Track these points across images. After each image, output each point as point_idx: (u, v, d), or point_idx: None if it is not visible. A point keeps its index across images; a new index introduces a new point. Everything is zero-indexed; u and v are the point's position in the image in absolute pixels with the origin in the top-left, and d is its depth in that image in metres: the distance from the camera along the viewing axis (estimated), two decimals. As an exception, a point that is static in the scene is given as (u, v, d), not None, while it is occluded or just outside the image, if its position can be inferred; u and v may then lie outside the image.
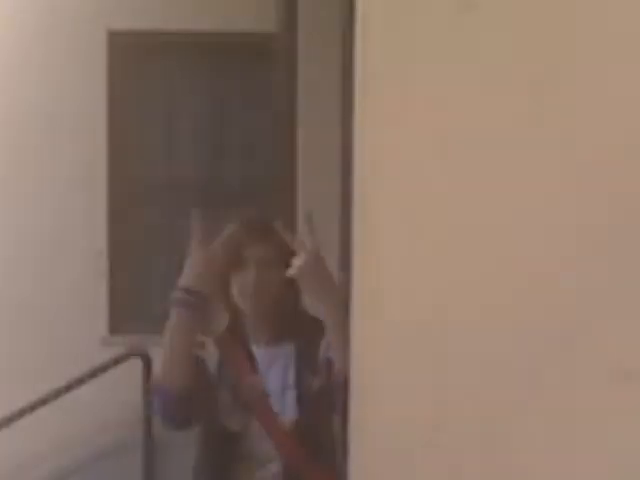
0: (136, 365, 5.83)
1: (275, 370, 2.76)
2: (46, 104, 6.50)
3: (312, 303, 2.65)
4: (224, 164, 6.87)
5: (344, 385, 2.57)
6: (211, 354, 2.81)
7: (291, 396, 2.72)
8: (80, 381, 5.75)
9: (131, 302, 6.76)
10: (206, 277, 2.65)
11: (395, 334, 1.76)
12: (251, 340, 2.80)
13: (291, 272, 2.59)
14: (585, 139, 1.25)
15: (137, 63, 6.73)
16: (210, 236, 2.73)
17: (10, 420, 5.66)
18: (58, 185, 6.59)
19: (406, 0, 1.74)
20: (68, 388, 5.71)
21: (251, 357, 2.77)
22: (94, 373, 5.79)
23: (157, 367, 2.83)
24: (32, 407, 5.66)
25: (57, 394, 5.70)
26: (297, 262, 2.59)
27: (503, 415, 1.44)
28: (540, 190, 1.36)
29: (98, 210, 6.65)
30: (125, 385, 5.93)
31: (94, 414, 6.23)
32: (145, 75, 6.77)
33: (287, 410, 2.71)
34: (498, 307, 1.46)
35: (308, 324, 2.74)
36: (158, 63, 6.76)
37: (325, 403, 2.65)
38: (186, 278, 2.67)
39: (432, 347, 1.64)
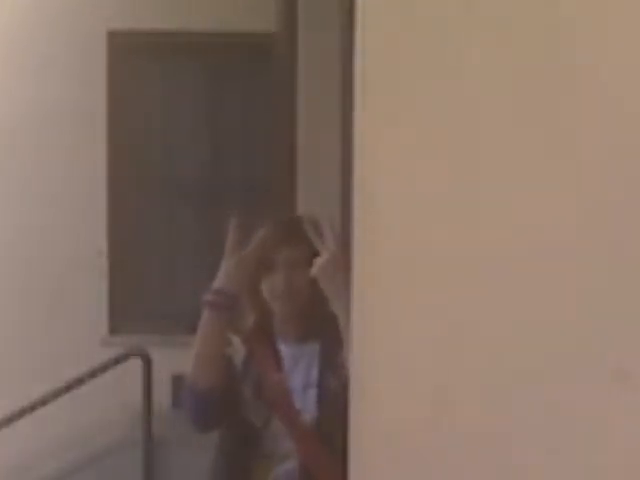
0: (136, 365, 5.83)
1: (300, 368, 2.84)
2: (46, 104, 6.50)
3: (331, 302, 2.72)
4: (224, 164, 6.87)
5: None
6: (238, 351, 2.89)
7: (313, 395, 2.80)
8: (80, 381, 5.75)
9: (131, 302, 6.76)
10: (237, 279, 2.76)
11: (395, 334, 1.76)
12: (278, 338, 2.88)
13: (313, 271, 2.71)
14: (589, 143, 1.25)
15: (137, 63, 6.73)
16: (244, 239, 2.84)
17: (10, 420, 5.66)
18: (58, 185, 6.59)
19: (406, 0, 1.74)
20: (68, 388, 5.71)
21: (277, 355, 2.85)
22: (94, 373, 5.79)
23: (188, 369, 2.90)
24: (32, 407, 5.66)
25: (57, 394, 5.70)
26: (318, 262, 2.71)
27: (503, 415, 1.44)
28: (540, 188, 1.36)
29: (98, 210, 6.65)
30: (125, 385, 5.94)
31: (94, 414, 6.23)
32: (145, 75, 6.78)
33: (308, 408, 2.78)
34: (498, 306, 1.46)
35: (334, 323, 2.80)
36: (158, 63, 6.76)
37: (343, 403, 2.71)
38: (219, 281, 2.77)
39: (432, 347, 1.64)
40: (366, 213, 1.82)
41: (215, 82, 6.77)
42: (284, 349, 2.87)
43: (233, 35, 6.51)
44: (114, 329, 6.71)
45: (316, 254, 2.76)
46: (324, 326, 2.83)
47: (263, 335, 2.89)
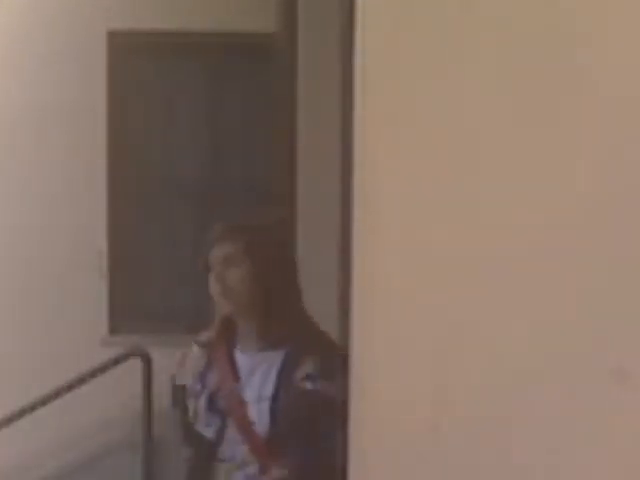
0: (136, 365, 5.83)
1: (255, 379, 2.75)
2: (46, 104, 6.49)
3: None
4: (224, 164, 6.87)
5: (322, 410, 2.59)
6: (198, 359, 2.86)
7: (265, 407, 2.71)
8: (80, 381, 5.75)
9: (131, 302, 6.76)
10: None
11: (395, 334, 1.76)
12: (237, 347, 2.81)
13: None
14: (589, 144, 1.25)
15: (137, 63, 6.72)
16: None
17: (10, 420, 5.66)
18: (58, 185, 6.59)
19: (406, 0, 1.74)
20: (68, 388, 5.71)
21: (233, 363, 2.78)
22: (94, 373, 5.79)
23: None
24: (32, 407, 5.66)
25: (57, 394, 5.70)
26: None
27: (503, 415, 1.44)
28: (540, 188, 1.36)
29: (98, 210, 6.64)
30: (125, 385, 5.93)
31: (94, 414, 6.22)
32: (145, 75, 6.77)
33: (261, 420, 2.71)
34: (498, 306, 1.46)
35: (300, 333, 2.75)
36: (158, 63, 6.76)
37: (296, 419, 2.67)
38: None
39: (432, 347, 1.64)
40: (366, 213, 1.82)
41: (215, 82, 6.76)
42: (241, 358, 2.79)
43: (233, 35, 6.50)
44: (114, 329, 6.71)
45: (254, 249, 2.74)
46: (287, 335, 2.76)
47: (222, 343, 2.82)
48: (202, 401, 2.78)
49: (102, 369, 5.82)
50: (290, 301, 2.83)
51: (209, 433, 2.75)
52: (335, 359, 2.69)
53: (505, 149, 1.44)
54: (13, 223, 6.53)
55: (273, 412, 2.69)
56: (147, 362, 5.85)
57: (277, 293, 2.79)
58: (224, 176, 6.87)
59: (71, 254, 6.54)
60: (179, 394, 2.88)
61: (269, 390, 2.72)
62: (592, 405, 1.21)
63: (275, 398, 2.70)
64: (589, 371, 1.21)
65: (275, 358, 2.74)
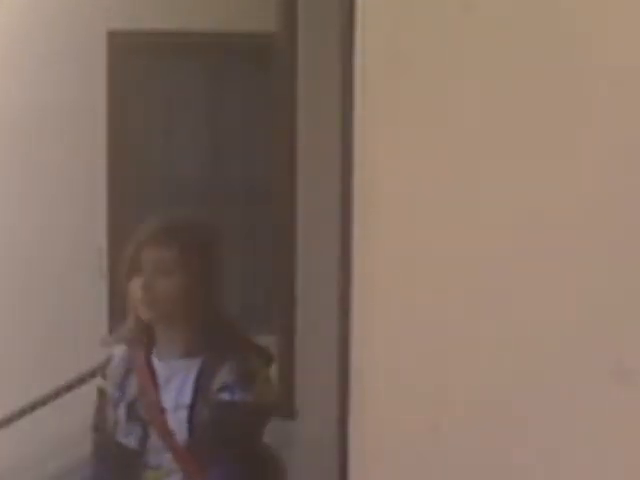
0: (136, 365, 5.83)
1: (172, 386, 2.65)
2: (46, 104, 6.49)
3: None
4: (224, 164, 6.87)
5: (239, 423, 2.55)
6: (118, 365, 2.79)
7: (183, 416, 2.61)
8: (80, 381, 5.74)
9: (131, 302, 6.75)
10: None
11: (395, 334, 1.76)
12: (154, 352, 2.70)
13: None
14: (589, 144, 1.25)
15: (137, 63, 6.72)
16: None
17: (10, 420, 5.66)
18: (58, 185, 6.59)
19: (406, 0, 1.74)
20: (68, 388, 5.71)
21: (152, 370, 2.68)
22: (94, 373, 5.78)
23: None
24: (32, 407, 5.66)
25: (57, 394, 5.70)
26: None
27: (503, 415, 1.44)
28: (540, 188, 1.36)
29: (98, 210, 6.64)
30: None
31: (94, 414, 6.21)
32: (145, 75, 6.77)
33: (180, 429, 2.61)
34: (498, 306, 1.46)
35: (219, 342, 2.65)
36: (158, 63, 6.76)
37: (215, 432, 2.59)
38: None
39: (432, 347, 1.64)
40: (366, 213, 1.82)
41: (215, 82, 6.77)
42: (159, 365, 2.69)
43: (233, 35, 6.50)
44: (114, 329, 6.70)
45: (188, 256, 2.58)
46: (206, 342, 2.65)
47: (141, 348, 2.72)
48: (122, 409, 2.71)
49: (102, 369, 5.81)
50: (214, 306, 2.74)
51: (131, 442, 2.67)
52: (253, 364, 2.63)
53: (505, 149, 1.44)
54: (13, 223, 6.53)
55: (191, 421, 2.60)
56: (147, 362, 5.84)
57: (203, 300, 2.68)
58: (224, 176, 6.87)
59: (71, 254, 6.54)
60: (98, 400, 2.88)
61: (186, 399, 2.61)
62: (592, 405, 1.21)
63: (193, 407, 2.60)
64: (589, 371, 1.21)
65: (192, 366, 2.63)
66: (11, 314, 6.49)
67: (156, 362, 2.69)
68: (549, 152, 1.32)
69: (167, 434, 2.61)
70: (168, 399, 2.64)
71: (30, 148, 6.55)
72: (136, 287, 2.62)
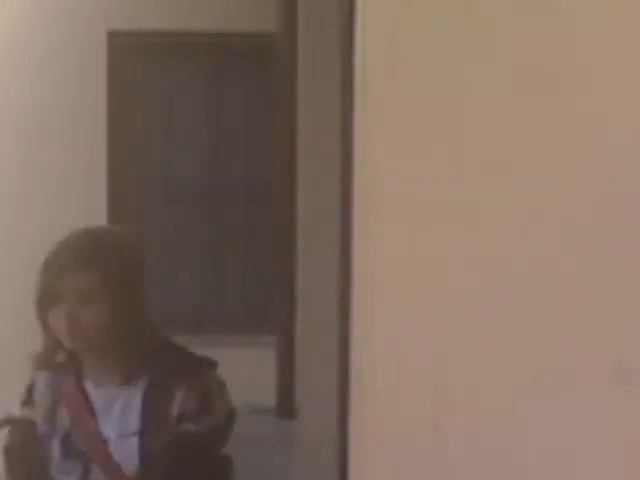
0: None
1: (115, 414, 2.43)
2: (46, 104, 6.49)
3: None
4: (224, 164, 6.87)
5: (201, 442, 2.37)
6: (41, 395, 2.60)
7: (131, 445, 2.41)
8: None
9: (131, 302, 6.75)
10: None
11: (395, 334, 1.76)
12: (88, 379, 2.48)
13: None
14: (591, 144, 1.25)
15: (137, 63, 6.73)
16: None
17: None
18: (58, 185, 6.59)
19: (406, 0, 1.74)
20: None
21: (86, 397, 2.47)
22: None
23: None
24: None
25: (57, 394, 5.68)
26: None
27: (503, 415, 1.44)
28: (541, 188, 1.36)
29: (98, 210, 6.64)
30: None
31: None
32: (145, 75, 6.77)
33: (127, 459, 2.40)
34: (498, 306, 1.46)
35: (165, 364, 2.44)
36: (158, 63, 6.76)
37: (171, 460, 2.40)
38: None
39: (432, 347, 1.64)
40: (366, 213, 1.82)
41: (215, 82, 6.77)
42: (94, 392, 2.46)
43: (233, 35, 6.51)
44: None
45: (112, 279, 2.36)
46: (148, 365, 2.43)
47: (69, 374, 2.49)
48: (55, 445, 2.46)
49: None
50: (145, 325, 2.51)
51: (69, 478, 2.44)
52: (207, 381, 2.45)
53: (506, 149, 1.44)
54: (13, 223, 6.53)
55: (143, 448, 2.40)
56: (147, 362, 5.83)
57: (136, 321, 2.46)
58: (224, 176, 6.87)
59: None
60: (26, 432, 2.57)
61: (133, 426, 2.41)
62: (592, 405, 1.21)
63: (143, 434, 2.40)
64: (589, 371, 1.22)
65: (135, 391, 2.42)
66: (11, 314, 6.49)
67: (90, 389, 2.47)
68: (549, 152, 1.33)
69: (111, 466, 2.40)
70: (109, 428, 2.42)
71: (30, 148, 6.56)
72: (58, 318, 2.37)
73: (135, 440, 2.40)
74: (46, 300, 2.41)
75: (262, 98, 6.48)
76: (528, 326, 1.38)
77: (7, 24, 6.49)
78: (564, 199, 1.29)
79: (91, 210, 6.64)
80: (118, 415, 2.42)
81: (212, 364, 2.54)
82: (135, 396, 2.41)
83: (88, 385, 2.47)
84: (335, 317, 3.02)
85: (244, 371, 6.63)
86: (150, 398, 2.41)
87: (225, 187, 6.89)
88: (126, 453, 2.41)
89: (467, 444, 1.54)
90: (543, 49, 1.35)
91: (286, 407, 4.70)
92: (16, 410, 2.86)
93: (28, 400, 2.70)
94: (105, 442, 2.41)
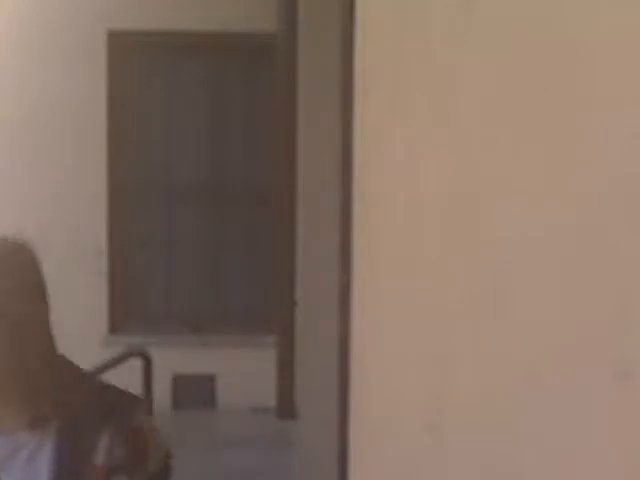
0: (136, 365, 5.83)
1: (17, 463, 2.00)
2: (46, 104, 6.50)
3: None
4: (224, 164, 6.87)
5: None
6: None
7: None
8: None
9: (131, 302, 6.76)
10: None
11: (395, 333, 1.76)
12: None
13: None
14: (588, 151, 1.25)
15: (137, 63, 6.73)
16: None
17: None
18: (58, 185, 6.59)
19: (406, 1, 1.74)
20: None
21: None
22: (93, 373, 5.78)
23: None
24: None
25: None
26: None
27: (502, 415, 1.44)
28: (539, 191, 1.36)
29: (98, 210, 6.65)
30: (125, 385, 5.93)
31: None
32: (145, 75, 6.78)
33: None
34: (498, 306, 1.46)
35: (84, 404, 2.05)
36: (158, 63, 6.76)
37: None
38: None
39: (432, 347, 1.64)
40: (366, 214, 1.82)
41: (215, 82, 6.77)
42: None
43: (234, 35, 6.51)
44: (114, 329, 6.71)
45: (5, 310, 1.95)
46: (57, 406, 1.99)
47: None
48: None
49: (102, 369, 5.81)
50: (53, 355, 2.12)
51: None
52: (134, 418, 2.14)
53: (505, 149, 1.44)
54: (13, 223, 6.53)
55: None
56: (147, 362, 5.84)
57: (37, 357, 2.04)
58: (224, 176, 6.88)
59: (71, 254, 6.54)
60: None
61: (43, 476, 1.98)
62: (592, 405, 1.21)
63: None
64: (589, 371, 1.22)
65: (44, 437, 2.00)
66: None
67: None
68: (550, 151, 1.33)
69: None
70: (15, 477, 1.99)
71: (31, 148, 6.56)
72: None
73: None
74: None
75: (262, 98, 6.48)
76: (528, 326, 1.38)
77: (7, 24, 6.49)
78: (565, 199, 1.29)
79: (91, 210, 6.64)
80: (21, 466, 2.00)
81: (140, 402, 2.27)
82: (44, 442, 2.00)
83: None
84: (335, 317, 3.02)
85: (244, 371, 6.63)
86: (65, 446, 2.01)
87: (225, 187, 6.90)
88: None
89: (465, 444, 1.54)
90: (543, 49, 1.35)
91: (286, 407, 4.70)
92: None
93: None
94: None
